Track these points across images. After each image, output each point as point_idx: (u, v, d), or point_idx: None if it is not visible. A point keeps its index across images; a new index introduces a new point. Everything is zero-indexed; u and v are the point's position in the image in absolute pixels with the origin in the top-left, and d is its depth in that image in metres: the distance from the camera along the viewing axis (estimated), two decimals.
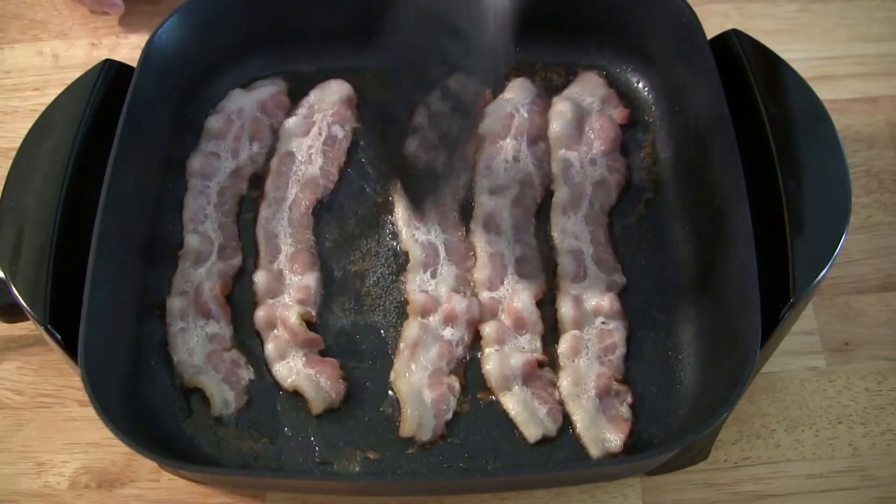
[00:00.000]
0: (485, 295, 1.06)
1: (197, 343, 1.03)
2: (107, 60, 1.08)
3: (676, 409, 0.99)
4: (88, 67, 1.08)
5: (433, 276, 1.07)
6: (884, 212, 1.16)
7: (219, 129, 1.15)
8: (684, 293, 1.05)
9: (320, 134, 1.16)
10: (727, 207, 0.99)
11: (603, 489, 1.01)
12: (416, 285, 1.07)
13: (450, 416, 0.99)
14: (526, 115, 1.16)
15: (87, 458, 1.04)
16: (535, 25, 1.18)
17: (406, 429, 0.98)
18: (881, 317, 1.10)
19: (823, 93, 1.05)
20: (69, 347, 0.91)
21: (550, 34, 1.18)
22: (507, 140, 1.15)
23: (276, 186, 1.13)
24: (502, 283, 1.06)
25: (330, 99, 1.18)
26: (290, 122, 1.17)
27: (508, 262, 1.07)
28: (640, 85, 1.19)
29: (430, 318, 1.04)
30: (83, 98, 1.04)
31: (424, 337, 1.03)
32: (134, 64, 1.08)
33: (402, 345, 1.03)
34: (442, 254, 1.08)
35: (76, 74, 1.08)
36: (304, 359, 1.02)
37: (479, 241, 1.09)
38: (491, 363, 1.02)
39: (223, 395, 1.01)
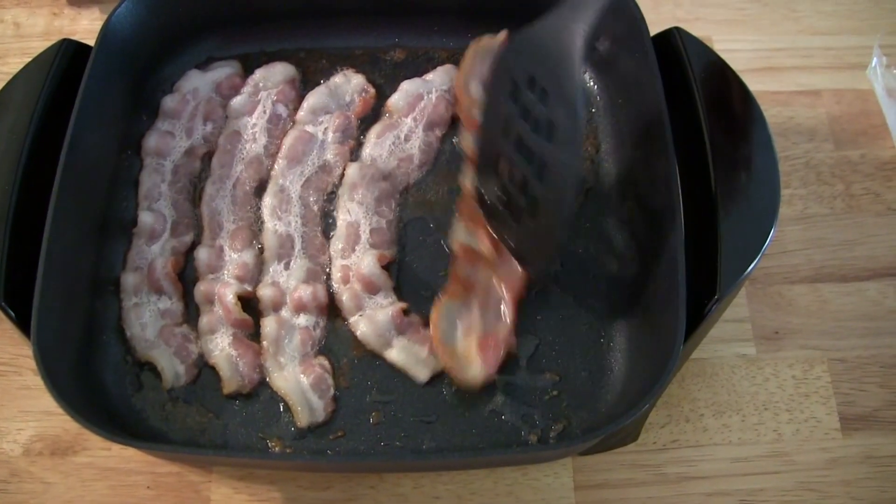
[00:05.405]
0: (338, 262, 1.09)
1: (150, 318, 1.06)
2: (64, 40, 1.08)
3: (605, 395, 1.02)
4: (49, 36, 1.10)
5: (286, 267, 1.09)
6: (819, 204, 1.19)
7: (174, 108, 1.17)
8: (618, 283, 1.08)
9: (265, 112, 1.18)
10: (660, 202, 1.01)
11: (536, 468, 1.04)
12: (269, 276, 1.09)
13: (332, 392, 1.02)
14: (434, 99, 1.18)
15: (41, 426, 1.07)
16: (483, 14, 1.19)
17: (301, 419, 1.01)
18: (811, 307, 1.13)
19: (768, 84, 1.07)
20: (23, 323, 0.93)
21: (493, 25, 1.18)
22: (407, 119, 1.18)
23: (222, 164, 1.15)
24: (354, 251, 1.09)
25: (274, 79, 1.20)
26: (236, 101, 1.19)
27: (363, 231, 1.10)
28: (585, 75, 1.19)
29: (283, 311, 1.07)
30: (40, 78, 1.05)
31: (282, 330, 1.05)
32: (93, 37, 1.09)
33: (264, 343, 1.05)
34: (297, 246, 1.10)
35: (37, 44, 1.10)
36: (231, 338, 1.05)
37: (341, 210, 1.12)
38: (363, 326, 1.05)
39: (174, 369, 1.04)
